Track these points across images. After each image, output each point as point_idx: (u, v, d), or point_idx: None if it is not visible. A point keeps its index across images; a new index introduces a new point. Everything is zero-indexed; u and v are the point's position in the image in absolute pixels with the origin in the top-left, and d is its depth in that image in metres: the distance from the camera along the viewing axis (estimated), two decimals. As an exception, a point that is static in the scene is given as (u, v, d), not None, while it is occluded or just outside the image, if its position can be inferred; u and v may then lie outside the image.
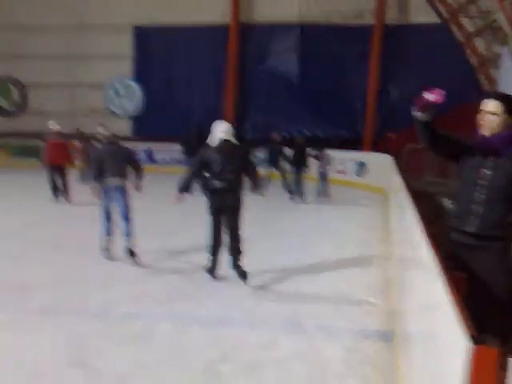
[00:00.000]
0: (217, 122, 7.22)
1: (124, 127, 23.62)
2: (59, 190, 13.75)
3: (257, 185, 7.36)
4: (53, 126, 14.32)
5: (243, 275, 7.01)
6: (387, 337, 5.33)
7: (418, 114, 3.94)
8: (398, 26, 21.29)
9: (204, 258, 7.27)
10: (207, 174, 7.02)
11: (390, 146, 19.14)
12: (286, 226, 11.28)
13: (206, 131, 13.56)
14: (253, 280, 7.08)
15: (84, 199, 13.64)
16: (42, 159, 14.41)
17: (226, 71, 22.95)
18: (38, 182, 14.77)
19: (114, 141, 8.33)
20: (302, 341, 5.25)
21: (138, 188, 8.39)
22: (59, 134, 14.17)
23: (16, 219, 11.17)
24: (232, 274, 7.11)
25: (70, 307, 6.06)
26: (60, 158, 13.73)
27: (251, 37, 22.99)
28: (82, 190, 15.82)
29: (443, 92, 3.81)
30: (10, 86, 25.65)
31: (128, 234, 8.02)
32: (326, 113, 21.80)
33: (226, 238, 7.05)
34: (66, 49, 24.48)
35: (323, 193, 15.48)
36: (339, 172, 18.77)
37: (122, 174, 8.11)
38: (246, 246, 7.14)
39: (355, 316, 5.99)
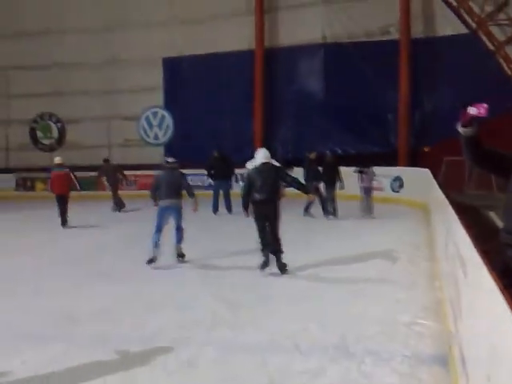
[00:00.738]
0: (258, 149, 9.50)
1: (157, 155, 23.87)
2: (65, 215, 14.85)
3: (302, 190, 9.37)
4: (57, 160, 15.77)
5: (282, 268, 8.62)
6: (443, 361, 4.99)
7: (462, 130, 3.84)
8: (426, 39, 21.12)
9: (246, 280, 7.50)
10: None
11: (426, 159, 18.88)
12: (329, 246, 11.08)
13: (225, 155, 14.03)
14: (297, 303, 6.96)
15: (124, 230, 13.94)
16: (48, 188, 16.04)
17: (254, 95, 23.06)
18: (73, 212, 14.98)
19: (171, 167, 9.83)
20: (351, 367, 4.99)
21: (194, 209, 9.77)
22: (61, 166, 15.51)
23: (60, 247, 11.19)
24: (278, 299, 6.99)
25: (119, 333, 6.06)
26: (62, 188, 15.04)
27: (277, 60, 23.20)
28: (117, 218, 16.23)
29: (486, 106, 3.71)
30: (50, 123, 26.37)
31: (179, 242, 9.62)
32: (356, 129, 21.69)
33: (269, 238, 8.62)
34: (101, 84, 25.12)
35: (367, 210, 15.26)
36: (375, 188, 18.53)
37: (177, 196, 9.58)
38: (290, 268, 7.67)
39: (407, 339, 5.68)
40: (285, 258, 8.67)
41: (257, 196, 8.62)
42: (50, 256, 10.75)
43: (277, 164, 10.00)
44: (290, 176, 9.31)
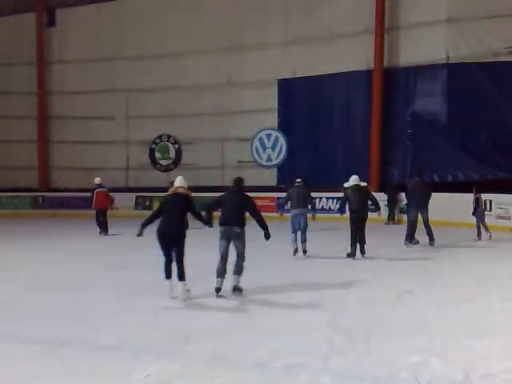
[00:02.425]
0: (352, 176, 12.76)
1: (270, 177, 23.97)
2: (102, 226, 18.22)
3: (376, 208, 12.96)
4: (97, 181, 18.87)
5: (363, 249, 12.47)
6: None
7: None
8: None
9: (363, 309, 7.29)
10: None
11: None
12: (445, 275, 10.53)
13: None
14: (418, 335, 6.54)
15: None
16: (91, 205, 18.73)
17: (371, 116, 22.57)
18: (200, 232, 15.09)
19: (298, 185, 13.01)
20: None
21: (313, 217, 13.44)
22: (101, 185, 18.68)
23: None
24: (398, 330, 6.71)
25: (235, 354, 5.91)
26: (103, 204, 18.42)
27: (395, 81, 22.61)
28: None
29: None
30: (168, 144, 27.22)
31: (304, 241, 12.59)
32: (480, 154, 20.62)
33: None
34: (216, 106, 25.66)
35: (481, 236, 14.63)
36: (500, 217, 17.42)
37: (304, 206, 12.79)
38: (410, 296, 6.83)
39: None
40: (402, 286, 8.21)
41: (353, 208, 12.38)
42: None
43: (363, 185, 12.97)
44: (374, 197, 13.07)
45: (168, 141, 27.38)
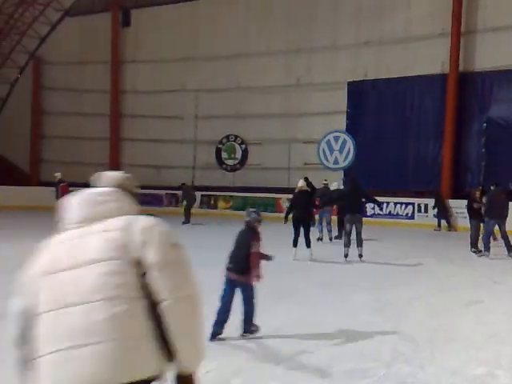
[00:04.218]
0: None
1: (336, 179, 23.74)
2: None
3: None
4: (58, 175, 20.56)
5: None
6: None
7: None
8: None
9: (429, 317, 6.92)
10: None
11: None
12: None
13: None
14: (485, 346, 6.32)
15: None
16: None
17: (445, 121, 22.02)
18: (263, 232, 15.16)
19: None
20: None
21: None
22: (62, 181, 20.29)
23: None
24: (464, 341, 6.51)
25: (295, 358, 5.78)
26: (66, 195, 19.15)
27: (471, 85, 21.99)
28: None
29: None
30: (235, 144, 27.41)
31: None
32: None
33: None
34: (284, 107, 25.62)
35: None
36: None
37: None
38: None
39: None
40: (471, 296, 7.92)
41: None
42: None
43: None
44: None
45: (235, 141, 27.55)
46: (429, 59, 22.32)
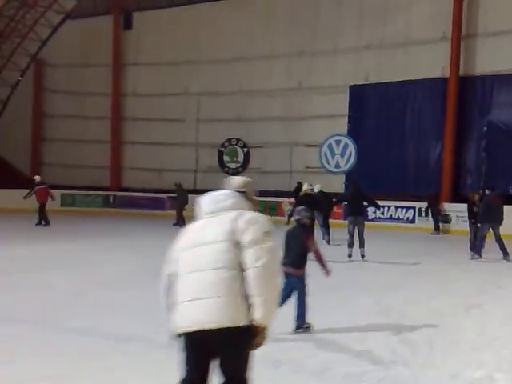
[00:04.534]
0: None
1: (337, 183, 23.78)
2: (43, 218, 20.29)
3: None
4: (37, 178, 21.28)
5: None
6: None
7: None
8: None
9: (430, 321, 7.09)
10: None
11: None
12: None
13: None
14: (484, 350, 6.33)
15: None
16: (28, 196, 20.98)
17: (445, 125, 22.06)
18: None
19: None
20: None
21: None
22: (41, 183, 21.08)
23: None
24: (464, 344, 6.56)
25: (294, 361, 5.83)
26: (44, 198, 20.56)
27: (471, 89, 22.01)
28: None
29: None
30: (237, 147, 27.44)
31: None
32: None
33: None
34: (285, 110, 25.65)
35: None
36: None
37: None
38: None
39: None
40: (471, 299, 7.95)
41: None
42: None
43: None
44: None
45: (237, 144, 27.57)
46: (429, 63, 22.35)
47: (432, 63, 22.29)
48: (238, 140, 27.47)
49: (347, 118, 24.65)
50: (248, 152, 27.37)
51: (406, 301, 8.91)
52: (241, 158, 27.59)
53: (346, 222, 13.72)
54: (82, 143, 29.54)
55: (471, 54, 22.15)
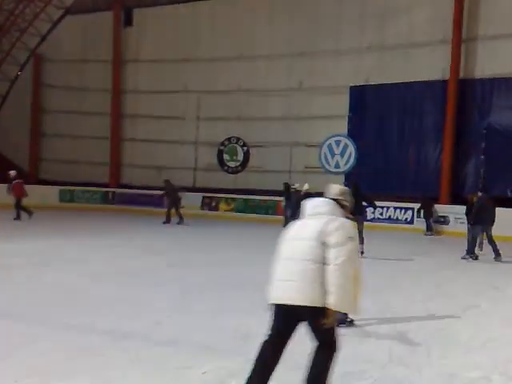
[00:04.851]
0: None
1: (336, 183, 23.72)
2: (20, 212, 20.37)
3: None
4: (13, 173, 21.26)
5: None
6: None
7: None
8: None
9: (428, 323, 7.16)
10: None
11: None
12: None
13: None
14: (481, 351, 6.35)
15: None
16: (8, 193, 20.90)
17: (445, 128, 22.09)
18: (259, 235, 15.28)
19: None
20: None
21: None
22: (17, 178, 21.16)
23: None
24: (462, 345, 6.57)
25: (292, 359, 5.74)
26: (20, 193, 20.75)
27: (471, 92, 22.05)
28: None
29: None
30: (237, 146, 27.44)
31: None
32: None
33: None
34: (286, 110, 25.65)
35: None
36: None
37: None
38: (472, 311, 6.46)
39: None
40: (468, 301, 8.03)
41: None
42: (232, 274, 10.98)
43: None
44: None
45: (237, 143, 27.56)
46: (430, 65, 22.40)
47: (432, 65, 22.33)
48: (237, 139, 27.47)
49: (347, 118, 24.69)
50: (248, 151, 27.38)
51: (403, 301, 8.93)
52: (240, 156, 27.58)
53: None
54: (82, 139, 29.53)
55: (471, 57, 22.19)
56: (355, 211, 13.46)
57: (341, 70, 24.35)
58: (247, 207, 25.06)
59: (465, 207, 15.52)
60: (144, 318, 7.21)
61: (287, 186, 20.89)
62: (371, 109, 24.07)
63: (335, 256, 4.02)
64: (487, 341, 6.81)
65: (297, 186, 19.69)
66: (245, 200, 25.25)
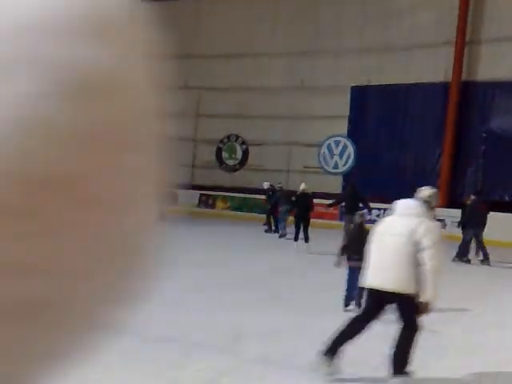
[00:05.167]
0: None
1: (335, 184, 23.77)
2: None
3: None
4: None
5: None
6: None
7: None
8: None
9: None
10: None
11: None
12: (508, 296, 10.15)
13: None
14: (471, 355, 6.36)
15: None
16: None
17: (445, 130, 22.07)
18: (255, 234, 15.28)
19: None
20: None
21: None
22: None
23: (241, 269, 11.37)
24: (455, 351, 6.59)
25: (284, 360, 5.86)
26: None
27: (472, 95, 22.01)
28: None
29: None
30: (236, 144, 27.40)
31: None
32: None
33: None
34: (286, 109, 25.59)
35: None
36: None
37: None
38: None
39: None
40: (461, 304, 8.12)
41: None
42: (231, 273, 10.99)
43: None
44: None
45: (236, 141, 27.53)
46: (432, 67, 22.36)
47: (434, 67, 22.30)
48: (237, 137, 27.43)
49: (347, 119, 24.65)
50: (247, 149, 27.34)
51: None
52: (239, 154, 27.55)
53: (343, 221, 14.26)
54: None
55: (474, 60, 22.17)
56: (351, 210, 13.63)
57: (342, 69, 24.29)
58: (244, 205, 25.00)
59: (461, 211, 15.51)
60: (136, 316, 7.17)
61: (272, 186, 20.84)
62: (372, 110, 24.02)
63: (429, 256, 4.72)
64: (480, 344, 6.81)
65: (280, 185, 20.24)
66: (242, 198, 25.19)
